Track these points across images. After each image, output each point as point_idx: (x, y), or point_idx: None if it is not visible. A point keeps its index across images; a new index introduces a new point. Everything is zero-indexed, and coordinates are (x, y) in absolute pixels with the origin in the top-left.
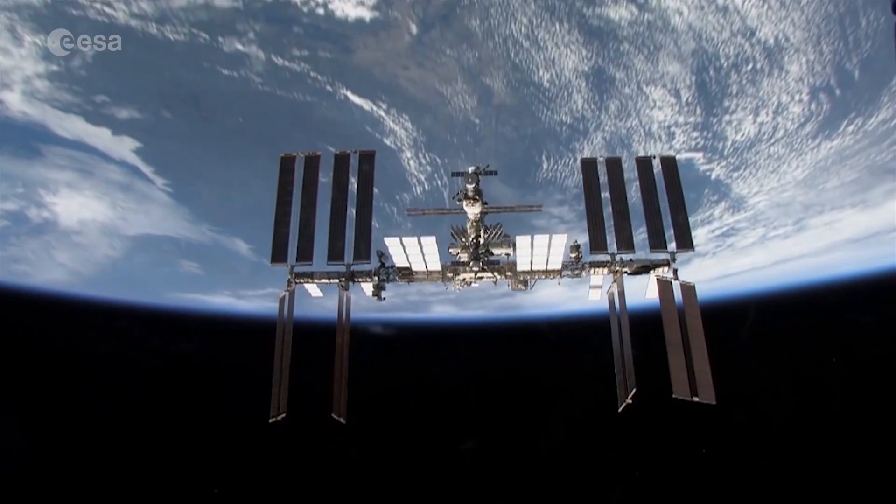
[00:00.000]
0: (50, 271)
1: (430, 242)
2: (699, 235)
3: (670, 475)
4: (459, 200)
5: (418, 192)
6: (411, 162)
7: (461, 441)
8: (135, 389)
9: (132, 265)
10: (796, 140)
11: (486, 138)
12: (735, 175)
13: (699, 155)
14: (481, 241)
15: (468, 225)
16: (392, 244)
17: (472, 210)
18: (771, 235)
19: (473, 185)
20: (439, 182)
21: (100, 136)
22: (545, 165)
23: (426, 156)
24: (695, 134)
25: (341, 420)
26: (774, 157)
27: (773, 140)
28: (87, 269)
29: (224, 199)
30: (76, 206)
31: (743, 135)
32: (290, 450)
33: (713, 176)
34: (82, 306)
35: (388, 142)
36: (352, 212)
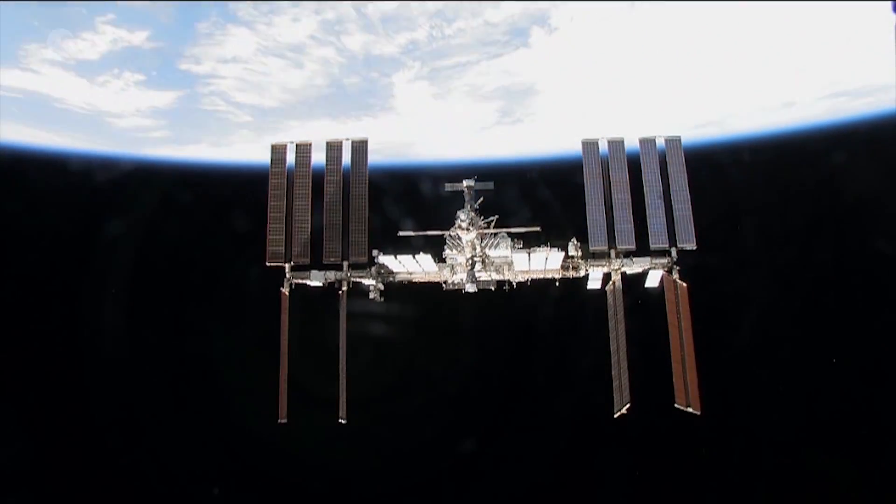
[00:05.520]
0: None
1: (426, 259)
2: None
3: (670, 475)
4: (454, 231)
5: None
6: None
7: (460, 441)
8: None
9: None
10: None
11: None
12: None
13: None
14: (477, 250)
15: (465, 243)
16: (388, 261)
17: (468, 237)
18: None
19: (468, 221)
20: None
21: None
22: None
23: None
24: None
25: (342, 420)
26: None
27: None
28: None
29: None
30: None
31: None
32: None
33: None
34: None
35: None
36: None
